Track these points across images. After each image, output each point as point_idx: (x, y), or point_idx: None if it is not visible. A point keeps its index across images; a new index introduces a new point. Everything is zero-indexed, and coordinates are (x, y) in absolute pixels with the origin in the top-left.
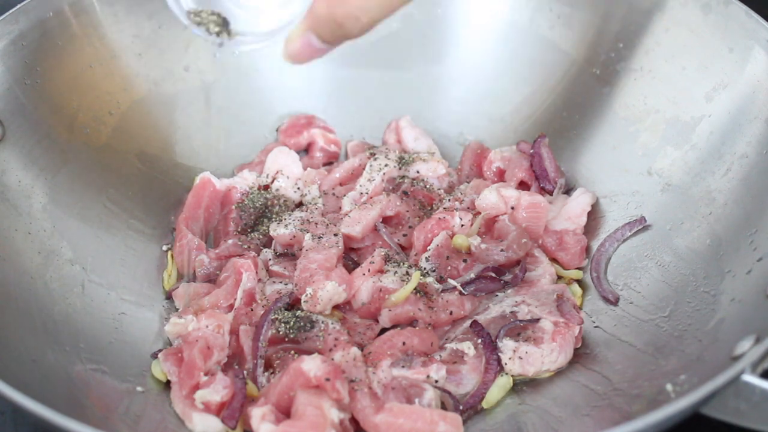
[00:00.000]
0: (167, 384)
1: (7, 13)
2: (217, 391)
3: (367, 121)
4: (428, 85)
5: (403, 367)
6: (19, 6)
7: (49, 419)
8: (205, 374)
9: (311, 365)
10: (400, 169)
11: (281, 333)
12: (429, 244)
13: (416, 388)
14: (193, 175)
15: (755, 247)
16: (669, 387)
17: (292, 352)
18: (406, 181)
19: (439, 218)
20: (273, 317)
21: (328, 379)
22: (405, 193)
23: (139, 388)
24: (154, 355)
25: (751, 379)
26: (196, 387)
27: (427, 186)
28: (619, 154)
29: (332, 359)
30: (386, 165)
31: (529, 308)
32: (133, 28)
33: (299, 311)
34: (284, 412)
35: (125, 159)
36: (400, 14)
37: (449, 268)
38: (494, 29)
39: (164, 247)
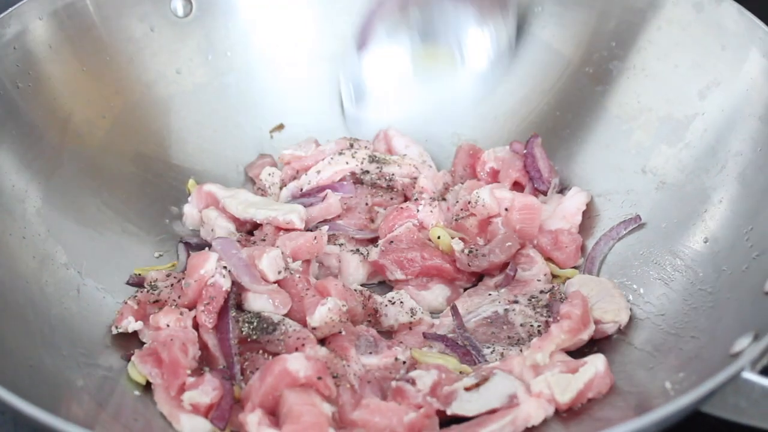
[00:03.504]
0: (147, 386)
1: (0, 16)
2: (206, 392)
3: None
4: (423, 85)
5: (370, 353)
6: (11, 9)
7: (48, 423)
8: (191, 374)
9: (297, 365)
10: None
11: (244, 333)
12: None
13: (390, 381)
14: (187, 177)
15: (751, 244)
16: (668, 385)
17: (260, 351)
18: (371, 176)
19: (401, 207)
20: (234, 314)
21: (320, 378)
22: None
23: (136, 392)
24: (127, 357)
25: (750, 376)
26: (183, 386)
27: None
28: (613, 152)
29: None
30: (347, 163)
31: (521, 308)
32: (126, 31)
33: (263, 312)
34: (270, 412)
35: (119, 162)
36: None
37: (404, 261)
38: None
39: (156, 255)
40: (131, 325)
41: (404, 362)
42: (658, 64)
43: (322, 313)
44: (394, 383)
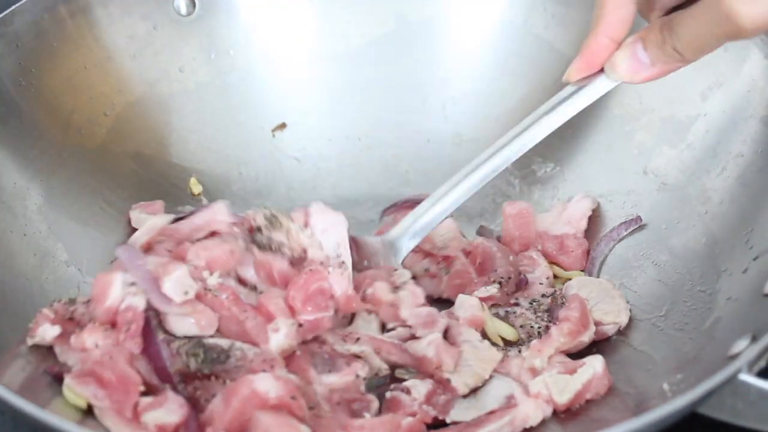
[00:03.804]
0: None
1: (2, 14)
2: (172, 410)
3: (362, 121)
4: (423, 85)
5: (329, 371)
6: (13, 7)
7: (48, 422)
8: (146, 392)
9: (267, 386)
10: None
11: (193, 368)
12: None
13: (361, 402)
14: (188, 176)
15: (751, 246)
16: (666, 386)
17: (213, 377)
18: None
19: (310, 270)
20: (163, 338)
21: (294, 398)
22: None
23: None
24: (56, 377)
25: (747, 378)
26: (137, 405)
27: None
28: (615, 153)
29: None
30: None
31: (522, 311)
32: (128, 29)
33: (205, 339)
34: None
35: (120, 160)
36: (393, 15)
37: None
38: (489, 29)
39: None
40: (48, 332)
41: (364, 378)
42: None
43: (279, 341)
44: (388, 393)
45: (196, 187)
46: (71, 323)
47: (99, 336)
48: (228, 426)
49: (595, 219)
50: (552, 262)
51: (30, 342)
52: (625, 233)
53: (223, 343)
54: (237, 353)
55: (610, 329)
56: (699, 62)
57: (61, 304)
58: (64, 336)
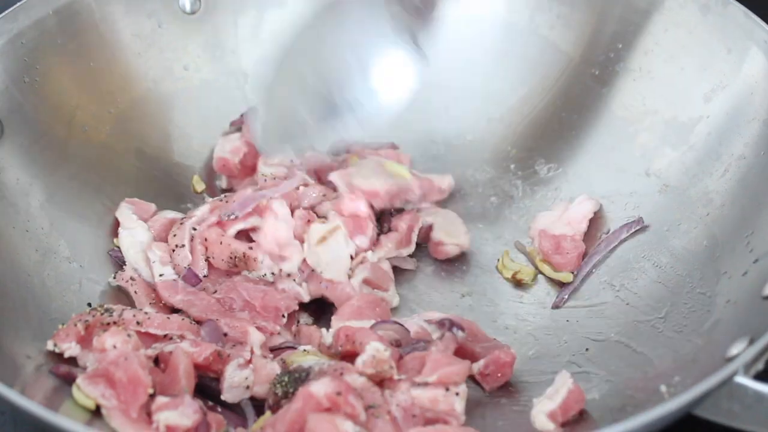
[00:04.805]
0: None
1: (7, 11)
2: (187, 414)
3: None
4: (426, 85)
5: (419, 385)
6: (18, 4)
7: (48, 420)
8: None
9: (319, 386)
10: None
11: (280, 395)
12: None
13: (441, 422)
14: (191, 174)
15: (751, 249)
16: (663, 388)
17: None
18: None
19: None
20: None
21: (339, 393)
22: None
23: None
24: (64, 378)
25: (744, 380)
26: (145, 406)
27: None
28: (617, 154)
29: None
30: None
31: None
32: (133, 27)
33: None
34: None
35: (124, 157)
36: None
37: None
38: (493, 29)
39: None
40: (70, 350)
41: (457, 394)
42: (663, 66)
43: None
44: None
45: (199, 185)
46: (104, 327)
47: (119, 339)
48: (288, 428)
49: (596, 220)
50: (544, 261)
51: (50, 347)
52: (627, 235)
53: (304, 363)
54: (317, 368)
55: (451, 249)
56: (703, 64)
57: (95, 317)
58: (86, 339)
